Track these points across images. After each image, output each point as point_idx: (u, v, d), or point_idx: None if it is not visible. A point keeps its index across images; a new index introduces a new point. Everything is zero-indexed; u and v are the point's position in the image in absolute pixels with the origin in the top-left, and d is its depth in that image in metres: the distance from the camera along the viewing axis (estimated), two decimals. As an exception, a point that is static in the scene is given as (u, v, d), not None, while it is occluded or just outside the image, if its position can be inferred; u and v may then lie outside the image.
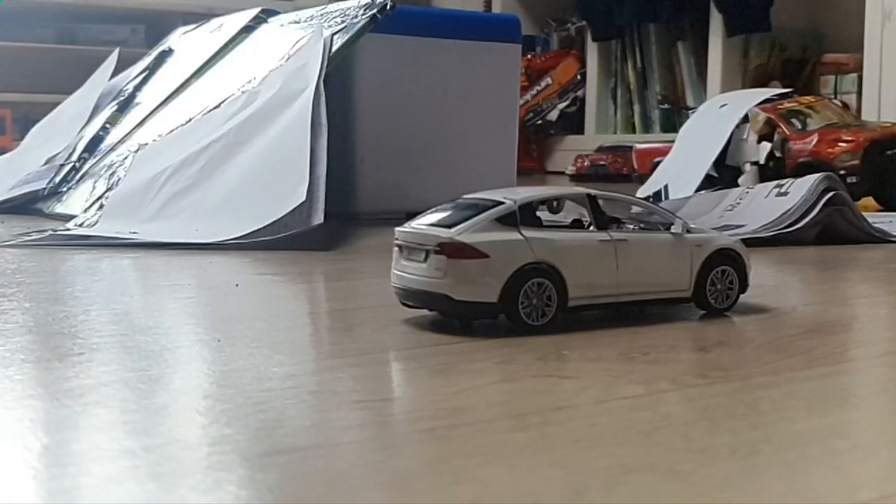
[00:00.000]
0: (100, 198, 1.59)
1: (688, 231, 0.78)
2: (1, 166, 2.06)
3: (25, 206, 1.78)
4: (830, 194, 1.32)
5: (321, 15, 1.72)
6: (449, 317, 0.75)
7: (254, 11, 2.00)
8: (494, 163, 1.84)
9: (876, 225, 1.37)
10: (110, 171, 1.68)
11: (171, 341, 0.71)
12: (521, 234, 0.72)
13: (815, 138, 1.74)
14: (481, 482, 0.42)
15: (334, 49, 1.55)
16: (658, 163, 1.92)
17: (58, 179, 1.79)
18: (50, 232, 1.35)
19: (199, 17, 2.48)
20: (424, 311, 0.76)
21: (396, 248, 0.76)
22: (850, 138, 1.72)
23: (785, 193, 1.36)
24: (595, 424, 0.50)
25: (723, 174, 1.78)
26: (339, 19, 1.64)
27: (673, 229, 0.77)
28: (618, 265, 0.74)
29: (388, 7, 1.60)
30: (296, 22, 1.83)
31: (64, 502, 0.39)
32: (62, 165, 1.84)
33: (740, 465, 0.43)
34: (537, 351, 0.67)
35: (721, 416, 0.52)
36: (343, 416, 0.52)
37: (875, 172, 1.71)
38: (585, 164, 3.09)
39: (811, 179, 1.34)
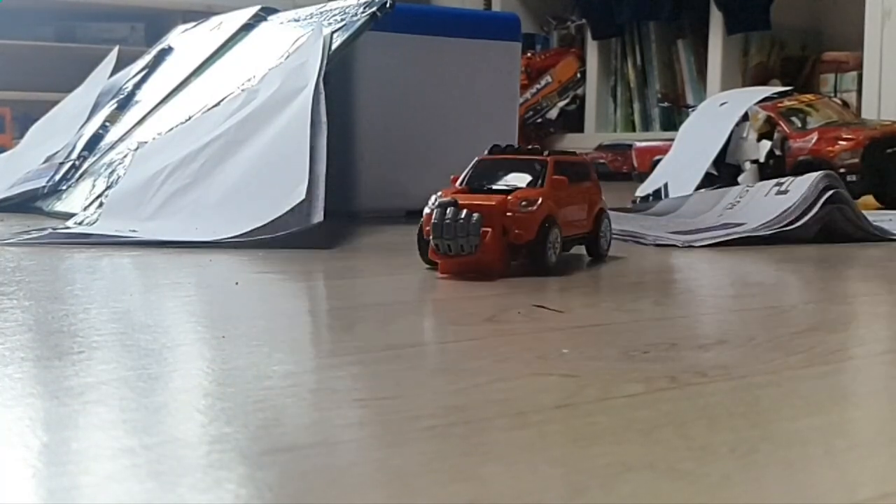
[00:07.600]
0: (99, 196, 1.59)
1: None
2: (0, 165, 2.05)
3: (25, 204, 1.78)
4: (830, 192, 1.32)
5: (321, 13, 1.72)
6: None
7: (253, 9, 2.00)
8: (494, 161, 1.84)
9: (876, 223, 1.37)
10: (110, 170, 1.68)
11: (171, 339, 0.71)
12: None
13: (814, 136, 1.74)
14: (481, 481, 0.42)
15: (334, 47, 1.55)
16: (658, 161, 1.92)
17: (57, 178, 1.79)
18: (49, 230, 1.34)
19: (198, 15, 2.48)
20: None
21: None
22: (850, 136, 1.72)
23: (785, 192, 1.36)
24: (595, 423, 0.50)
25: (722, 172, 1.78)
26: (338, 17, 1.64)
27: None
28: None
29: (387, 5, 1.60)
30: (295, 20, 1.83)
31: (64, 501, 0.39)
32: (62, 164, 1.83)
33: (740, 464, 0.43)
34: (537, 349, 0.67)
35: (721, 414, 0.52)
36: (343, 414, 0.52)
37: (875, 171, 1.71)
38: (585, 162, 3.08)
39: (811, 178, 1.34)
